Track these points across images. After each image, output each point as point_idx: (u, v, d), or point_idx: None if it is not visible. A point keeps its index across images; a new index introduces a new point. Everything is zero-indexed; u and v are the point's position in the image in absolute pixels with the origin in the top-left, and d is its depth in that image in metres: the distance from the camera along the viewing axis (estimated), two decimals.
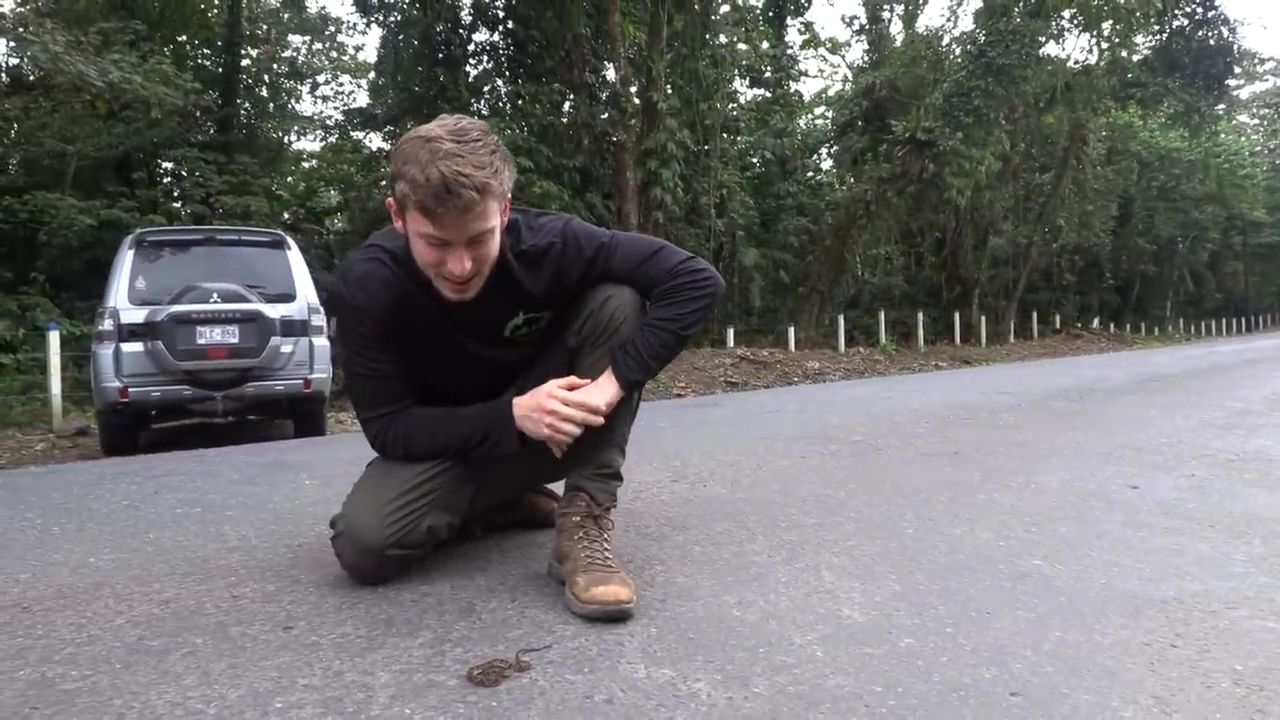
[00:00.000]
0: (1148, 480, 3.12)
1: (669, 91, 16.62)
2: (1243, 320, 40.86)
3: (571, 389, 1.77)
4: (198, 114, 16.70)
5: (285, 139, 23.89)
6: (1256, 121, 50.47)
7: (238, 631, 1.58)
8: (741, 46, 22.36)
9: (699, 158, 18.61)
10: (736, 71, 22.55)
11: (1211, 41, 23.61)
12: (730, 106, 21.47)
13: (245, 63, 19.68)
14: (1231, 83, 28.64)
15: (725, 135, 20.27)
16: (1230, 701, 1.34)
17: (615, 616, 1.61)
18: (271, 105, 22.00)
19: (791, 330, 17.04)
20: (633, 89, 16.18)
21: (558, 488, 2.20)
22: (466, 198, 1.56)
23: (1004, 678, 1.41)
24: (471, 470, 1.90)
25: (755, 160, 23.25)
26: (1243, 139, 38.82)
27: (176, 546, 2.20)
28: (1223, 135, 33.25)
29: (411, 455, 1.85)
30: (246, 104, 20.02)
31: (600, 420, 1.76)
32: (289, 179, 21.30)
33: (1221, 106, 29.87)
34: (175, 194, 17.57)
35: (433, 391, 1.91)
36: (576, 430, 1.74)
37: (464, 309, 1.78)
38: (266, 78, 21.62)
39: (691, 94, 18.09)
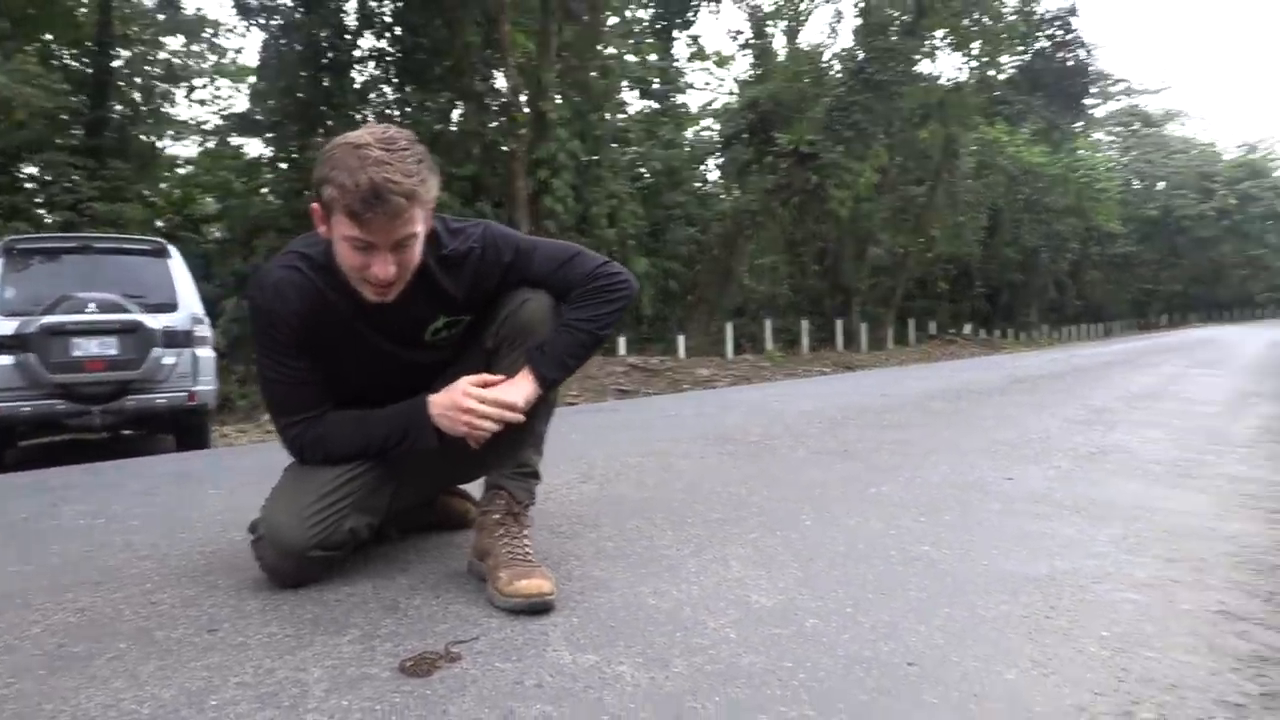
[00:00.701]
0: (1020, 472, 3.35)
1: (559, 101, 16.67)
2: (1101, 326, 43.31)
3: (485, 386, 1.80)
4: (65, 116, 15.87)
5: (159, 144, 22.90)
6: (1111, 139, 53.85)
7: (161, 635, 1.57)
8: (630, 58, 22.64)
9: (589, 168, 18.71)
10: (626, 83, 22.79)
11: (1070, 63, 25.19)
12: (620, 117, 21.68)
13: (117, 64, 18.79)
14: (1088, 101, 30.58)
15: (615, 146, 20.44)
16: (1098, 663, 1.49)
17: (538, 608, 1.67)
18: (145, 109, 21.04)
19: (681, 338, 17.30)
20: (523, 98, 16.18)
21: (472, 489, 2.26)
22: (395, 204, 1.59)
23: (900, 650, 1.53)
24: (389, 471, 1.92)
25: (645, 171, 23.51)
26: (1099, 155, 41.24)
27: (85, 557, 2.15)
28: (1081, 151, 35.23)
29: (330, 458, 1.87)
30: (119, 107, 19.11)
31: (518, 417, 1.79)
32: (163, 185, 20.40)
33: (1080, 124, 31.77)
34: (40, 200, 16.64)
35: (351, 396, 1.92)
36: (494, 427, 1.77)
37: (384, 312, 1.80)
38: (139, 80, 20.68)
39: (582, 104, 18.20)
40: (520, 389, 1.82)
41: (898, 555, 2.15)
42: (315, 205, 1.72)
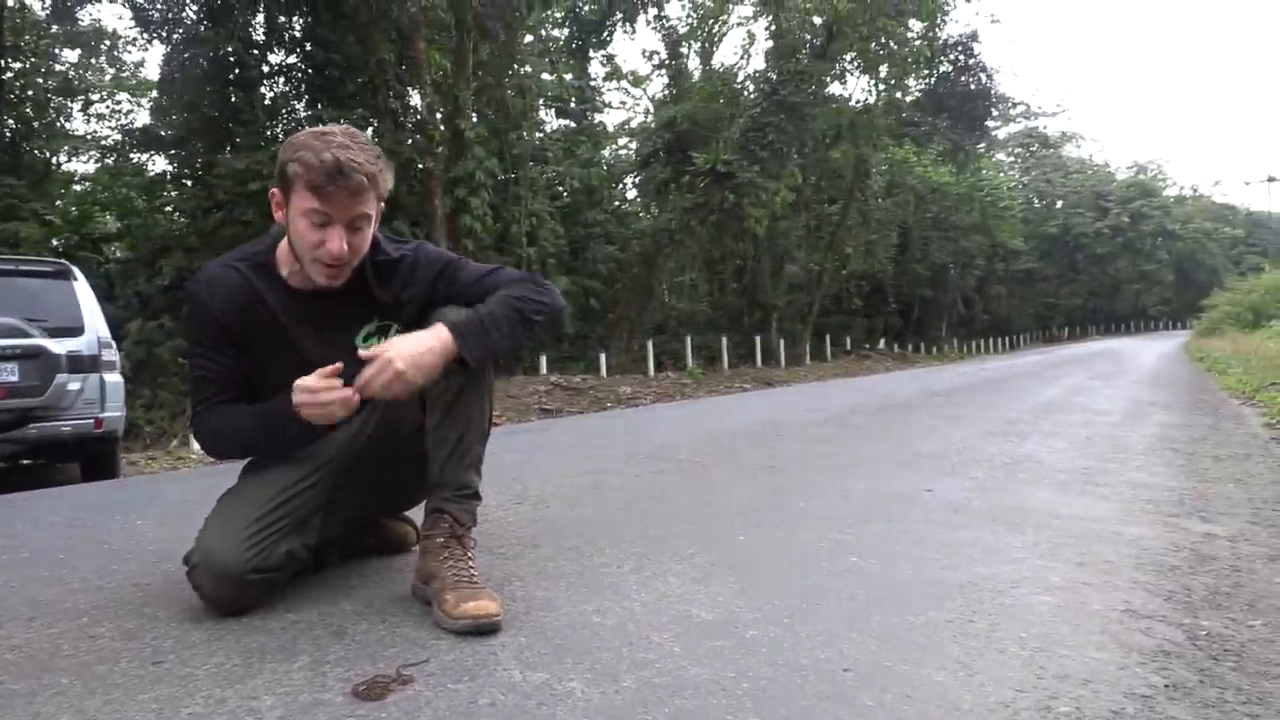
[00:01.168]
0: (939, 483, 3.49)
1: (475, 120, 16.61)
2: (1007, 339, 44.86)
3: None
4: None
5: (54, 159, 22.02)
6: (1012, 159, 56.07)
7: (104, 670, 1.54)
8: (546, 77, 22.69)
9: (508, 186, 18.68)
10: (543, 101, 22.82)
11: (972, 86, 26.12)
12: (537, 136, 21.69)
13: (8, 76, 18.04)
14: (990, 124, 31.67)
15: (533, 164, 20.43)
16: (1018, 662, 1.59)
17: (486, 629, 1.69)
18: (38, 123, 20.22)
19: (603, 356, 17.35)
20: (439, 116, 16.07)
21: (412, 513, 2.27)
22: (356, 180, 1.73)
23: (836, 657, 1.60)
24: (322, 494, 1.93)
25: (563, 189, 23.56)
26: (1001, 175, 42.86)
27: (12, 591, 2.08)
28: (985, 171, 36.60)
29: (219, 446, 1.99)
30: (9, 121, 18.33)
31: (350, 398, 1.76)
32: (59, 203, 19.60)
33: (983, 145, 32.90)
34: None
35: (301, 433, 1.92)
36: (319, 412, 1.77)
37: (318, 309, 1.92)
38: (32, 93, 19.88)
39: (499, 123, 18.16)
40: (416, 339, 1.76)
41: (829, 566, 2.23)
42: (274, 190, 1.84)
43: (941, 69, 26.02)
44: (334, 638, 1.69)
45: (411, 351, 1.72)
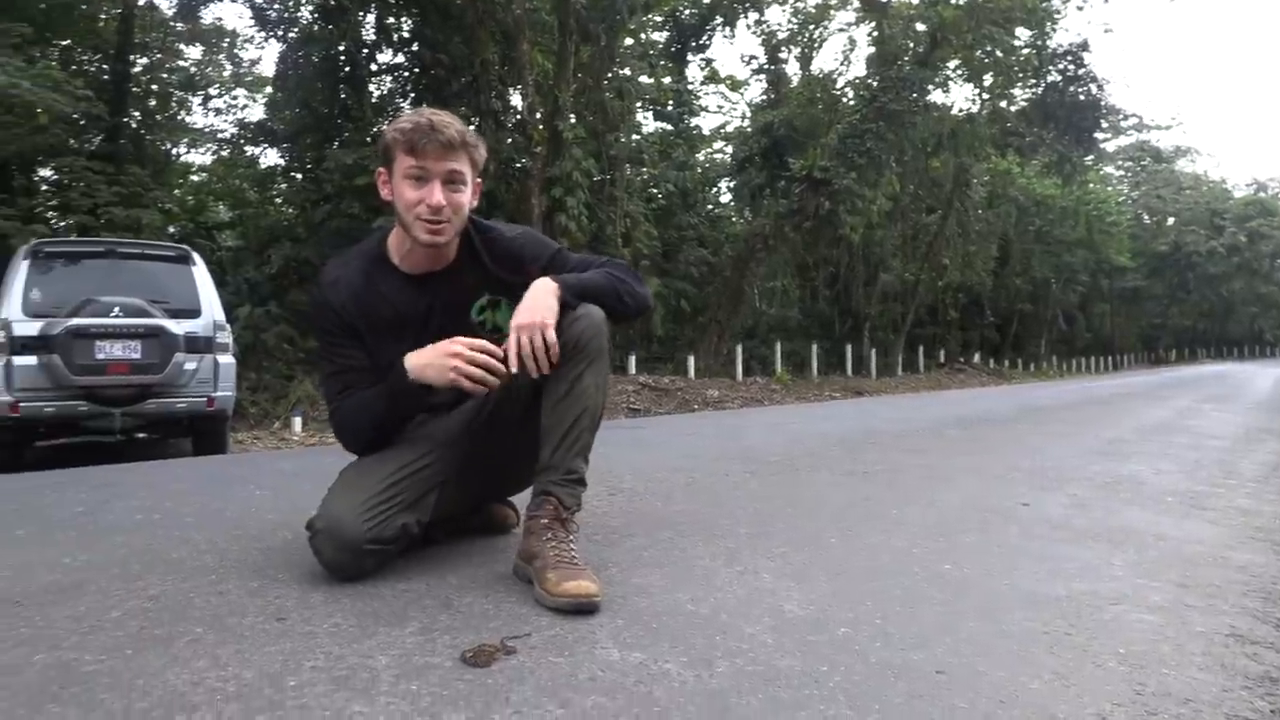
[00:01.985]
0: (1037, 499, 3.42)
1: (574, 121, 16.82)
2: (1110, 359, 43.32)
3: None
4: (83, 122, 16.05)
5: (174, 151, 23.11)
6: (1121, 173, 54.01)
7: (233, 622, 1.65)
8: (645, 80, 22.84)
9: (604, 187, 18.84)
10: (640, 104, 22.97)
11: (1082, 97, 25.22)
12: (634, 138, 21.84)
13: (136, 71, 19.00)
14: (1099, 136, 30.59)
15: (629, 166, 20.58)
16: (1116, 677, 1.56)
17: (585, 609, 1.74)
18: (161, 116, 21.25)
19: (691, 359, 17.36)
20: (538, 116, 16.33)
21: (518, 499, 2.35)
22: (448, 136, 1.91)
23: (930, 659, 1.60)
24: (438, 474, 2.02)
25: (658, 192, 23.66)
26: (1109, 189, 41.40)
27: (148, 548, 2.24)
28: (1092, 184, 35.38)
29: (346, 432, 2.08)
30: (136, 114, 19.32)
31: (499, 368, 1.88)
32: (176, 192, 20.57)
33: (1090, 157, 31.84)
34: (56, 204, 16.79)
35: (419, 403, 2.05)
36: (478, 373, 1.87)
37: (434, 289, 2.04)
38: (156, 87, 20.90)
39: (597, 124, 18.35)
40: (546, 309, 1.89)
41: (921, 572, 2.22)
42: (379, 170, 2.03)
43: (1050, 78, 25.20)
44: (441, 608, 1.76)
45: (530, 307, 1.89)
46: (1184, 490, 3.80)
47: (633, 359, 15.78)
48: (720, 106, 38.51)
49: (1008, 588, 2.12)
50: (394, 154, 1.94)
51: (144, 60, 19.51)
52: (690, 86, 26.80)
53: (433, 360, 1.91)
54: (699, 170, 26.31)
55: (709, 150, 29.96)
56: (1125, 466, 4.52)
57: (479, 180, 2.05)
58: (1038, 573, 2.27)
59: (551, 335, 1.85)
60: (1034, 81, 25.57)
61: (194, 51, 22.03)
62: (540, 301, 1.89)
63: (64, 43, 17.92)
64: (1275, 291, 55.13)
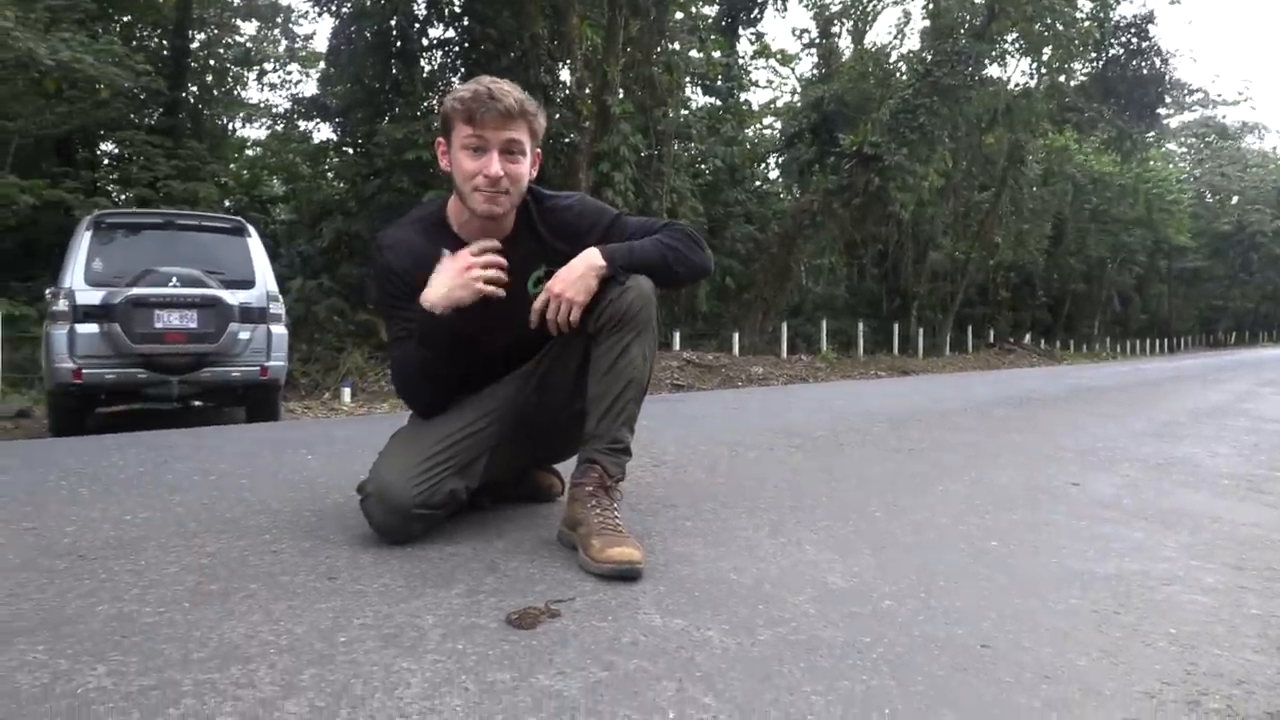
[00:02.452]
0: (1087, 478, 3.37)
1: (622, 96, 16.76)
2: (1166, 341, 42.33)
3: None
4: (143, 96, 16.37)
5: (230, 126, 23.49)
6: (1184, 150, 52.47)
7: (286, 580, 1.70)
8: (695, 54, 22.63)
9: (651, 162, 18.77)
10: (689, 79, 22.78)
11: (1145, 71, 24.53)
12: (682, 113, 21.69)
13: (194, 46, 19.32)
14: (1162, 112, 29.77)
15: (677, 141, 20.46)
16: (1166, 657, 1.54)
17: (628, 575, 1.76)
18: (217, 92, 21.60)
19: (736, 336, 17.32)
20: (587, 91, 16.29)
21: (561, 468, 2.38)
22: (505, 105, 1.89)
23: (974, 634, 1.59)
24: (486, 441, 2.05)
25: (705, 167, 23.52)
26: (1171, 166, 40.25)
27: (204, 507, 2.31)
28: (1152, 162, 34.42)
29: (404, 384, 2.10)
30: (194, 89, 19.66)
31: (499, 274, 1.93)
32: (232, 166, 20.93)
33: (1152, 134, 31.00)
34: (116, 177, 17.19)
35: (463, 359, 2.06)
36: (490, 274, 1.91)
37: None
38: (213, 63, 21.23)
39: (645, 99, 18.25)
40: (578, 278, 1.93)
41: (967, 548, 2.20)
42: (438, 140, 2.03)
43: (1111, 52, 24.51)
44: (487, 571, 1.80)
45: (567, 278, 1.92)
46: (1240, 473, 3.71)
47: (677, 335, 15.78)
48: (770, 81, 38.21)
49: (1055, 566, 2.09)
50: (453, 123, 1.93)
51: (201, 36, 19.85)
52: (740, 61, 26.52)
53: (451, 282, 1.91)
54: (747, 146, 26.09)
55: (758, 126, 29.70)
56: (1179, 448, 4.42)
57: (539, 151, 2.03)
58: (1086, 552, 2.23)
59: (576, 315, 1.91)
60: (1094, 55, 24.89)
61: (249, 27, 22.38)
62: (579, 276, 1.92)
63: (125, 18, 18.29)
64: None
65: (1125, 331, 40.62)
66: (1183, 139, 52.36)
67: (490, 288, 1.91)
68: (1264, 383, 11.38)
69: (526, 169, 1.98)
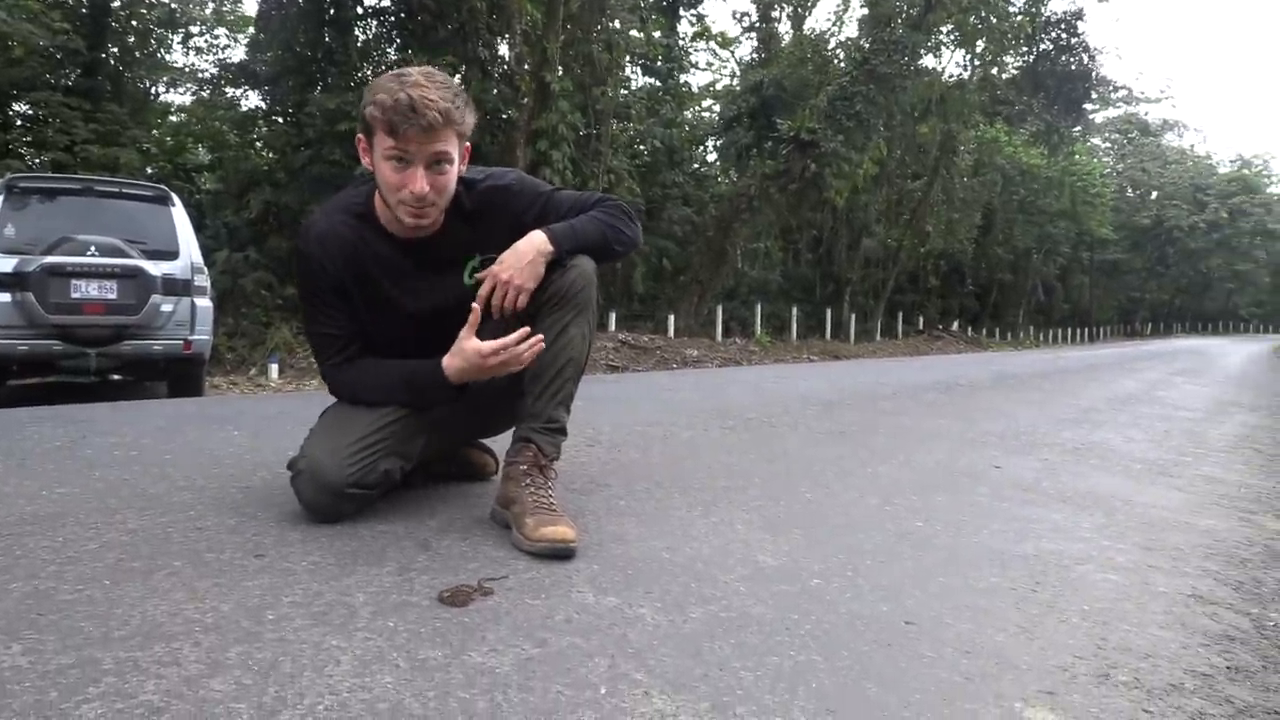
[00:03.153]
0: (1009, 462, 3.48)
1: (562, 73, 16.60)
2: (1087, 331, 43.66)
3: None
4: (60, 56, 15.70)
5: (153, 90, 22.64)
6: (1108, 145, 54.05)
7: (212, 557, 1.66)
8: (635, 34, 22.52)
9: (589, 141, 18.66)
10: (629, 58, 22.67)
11: (1073, 67, 25.21)
12: (622, 93, 21.60)
13: (115, 5, 18.54)
14: (1088, 107, 30.63)
15: (616, 121, 20.38)
16: (1079, 633, 1.61)
17: (562, 553, 1.77)
18: (140, 54, 20.78)
19: (671, 318, 17.37)
20: (526, 67, 16.10)
21: (494, 445, 2.37)
22: (430, 118, 1.74)
23: (899, 611, 1.64)
24: (423, 420, 2.02)
25: (644, 148, 23.47)
26: (1095, 161, 41.38)
27: (125, 483, 2.24)
28: (1078, 156, 35.36)
29: (359, 401, 2.00)
30: (115, 50, 18.88)
31: (523, 293, 1.89)
32: (155, 132, 20.18)
33: (1078, 128, 31.85)
34: (30, 140, 16.45)
35: (396, 346, 2.03)
36: (519, 365, 1.88)
37: (424, 252, 1.97)
38: (136, 24, 20.41)
39: (584, 77, 18.12)
40: (527, 264, 1.89)
41: (893, 528, 2.26)
42: (359, 136, 1.88)
43: (1042, 47, 25.14)
44: (420, 549, 1.78)
45: (515, 264, 1.88)
46: (1152, 458, 3.87)
47: (613, 316, 15.78)
48: (710, 64, 38.00)
49: (977, 545, 2.16)
50: (374, 130, 1.80)
51: None
52: (680, 42, 26.48)
53: (469, 367, 1.88)
54: (686, 128, 26.12)
55: (697, 108, 29.71)
56: (1096, 434, 4.59)
57: (468, 145, 1.92)
58: (1007, 532, 2.31)
59: (524, 301, 1.88)
60: (1025, 49, 25.49)
61: None
62: (528, 262, 1.88)
63: None
64: (1253, 269, 55.63)
65: (1049, 320, 41.77)
66: (1107, 134, 53.97)
67: (512, 369, 1.89)
68: (1176, 372, 11.85)
69: (454, 176, 1.89)
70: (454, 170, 1.87)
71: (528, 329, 1.86)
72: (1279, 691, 1.44)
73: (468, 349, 1.87)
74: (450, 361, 1.91)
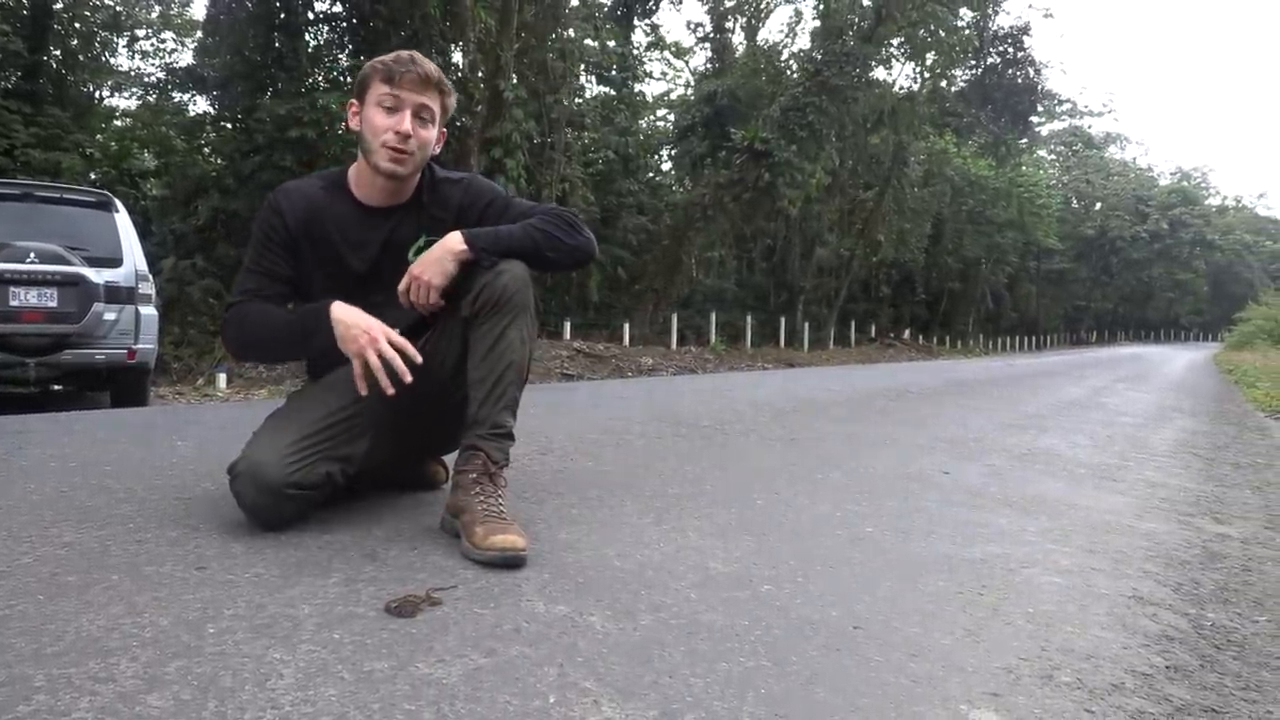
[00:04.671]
0: (957, 468, 3.53)
1: (516, 81, 16.56)
2: (1034, 338, 44.52)
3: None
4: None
5: (97, 94, 22.19)
6: (1053, 157, 55.31)
7: (151, 570, 1.62)
8: (589, 42, 22.55)
9: (543, 150, 18.64)
10: (584, 67, 22.69)
11: (1019, 80, 25.69)
12: (576, 101, 21.60)
13: (57, 7, 18.14)
14: (1034, 119, 31.24)
15: (570, 130, 20.37)
16: (1024, 635, 1.63)
17: (512, 562, 1.75)
18: (84, 57, 20.35)
19: (627, 326, 17.39)
20: (479, 75, 16.03)
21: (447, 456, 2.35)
22: (426, 70, 1.98)
23: (847, 616, 1.65)
24: (367, 424, 1.99)
25: (598, 157, 23.50)
26: (1041, 172, 42.30)
27: (62, 495, 2.17)
28: (1024, 167, 36.13)
29: (244, 338, 2.04)
30: (57, 53, 18.47)
31: (414, 355, 1.86)
32: (99, 137, 19.76)
33: (1025, 140, 32.51)
34: None
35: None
36: (378, 365, 1.84)
37: (383, 225, 2.07)
38: (80, 26, 19.99)
39: (539, 85, 18.09)
40: (434, 261, 1.94)
41: (844, 534, 2.28)
42: (351, 101, 2.07)
43: (989, 60, 25.59)
44: (366, 559, 1.75)
45: (426, 260, 1.95)
46: (1095, 463, 3.95)
47: (568, 325, 15.75)
48: (664, 73, 38.18)
49: (925, 550, 2.18)
50: (370, 83, 1.99)
51: None
52: (635, 51, 26.58)
53: (353, 324, 1.86)
54: (640, 137, 26.19)
55: (651, 117, 29.84)
56: (1041, 440, 4.67)
57: (444, 130, 2.08)
58: (954, 537, 2.34)
59: (434, 298, 1.94)
60: (974, 62, 25.95)
61: None
62: (436, 259, 1.94)
63: None
64: (1193, 279, 57.19)
65: (997, 329, 42.52)
66: (1052, 146, 55.25)
67: (359, 366, 1.86)
68: (1120, 379, 12.12)
69: (433, 137, 2.03)
70: (434, 131, 2.03)
71: (418, 360, 1.87)
72: (1216, 690, 1.47)
73: (369, 315, 1.89)
74: (341, 309, 1.90)
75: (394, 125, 1.96)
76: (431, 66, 1.99)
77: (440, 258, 1.93)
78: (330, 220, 2.06)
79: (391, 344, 1.84)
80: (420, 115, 1.99)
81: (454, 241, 1.94)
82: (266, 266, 2.05)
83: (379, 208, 2.09)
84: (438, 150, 2.08)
